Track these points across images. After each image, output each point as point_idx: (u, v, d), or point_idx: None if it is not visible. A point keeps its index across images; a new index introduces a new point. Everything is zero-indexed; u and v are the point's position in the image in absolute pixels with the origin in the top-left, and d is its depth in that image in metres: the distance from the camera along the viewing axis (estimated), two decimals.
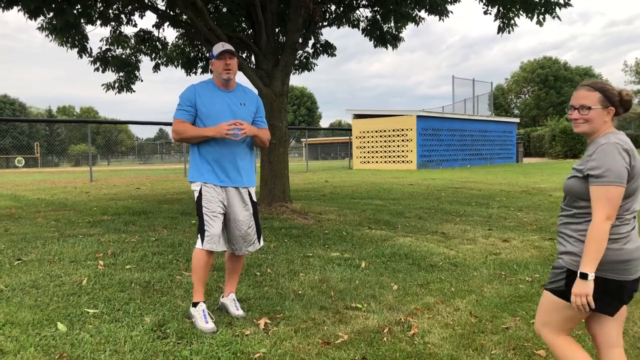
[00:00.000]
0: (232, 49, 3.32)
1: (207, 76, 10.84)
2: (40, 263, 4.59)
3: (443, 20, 8.95)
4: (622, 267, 1.89)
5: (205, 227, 3.18)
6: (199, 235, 3.24)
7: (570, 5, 7.51)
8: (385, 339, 2.98)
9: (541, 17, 7.67)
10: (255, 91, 4.09)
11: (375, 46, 9.96)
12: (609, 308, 1.96)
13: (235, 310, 3.36)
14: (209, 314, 3.15)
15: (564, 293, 1.96)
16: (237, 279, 3.56)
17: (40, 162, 42.54)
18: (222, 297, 3.51)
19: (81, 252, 5.03)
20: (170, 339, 2.92)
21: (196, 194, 3.28)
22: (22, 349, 2.75)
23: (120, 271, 4.34)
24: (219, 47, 3.31)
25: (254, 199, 3.46)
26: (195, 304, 3.19)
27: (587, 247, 1.86)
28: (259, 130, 3.42)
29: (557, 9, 7.59)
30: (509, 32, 8.43)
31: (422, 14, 9.28)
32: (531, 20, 7.78)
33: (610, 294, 1.91)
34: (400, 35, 10.03)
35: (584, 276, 1.85)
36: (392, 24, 9.73)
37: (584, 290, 1.85)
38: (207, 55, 3.53)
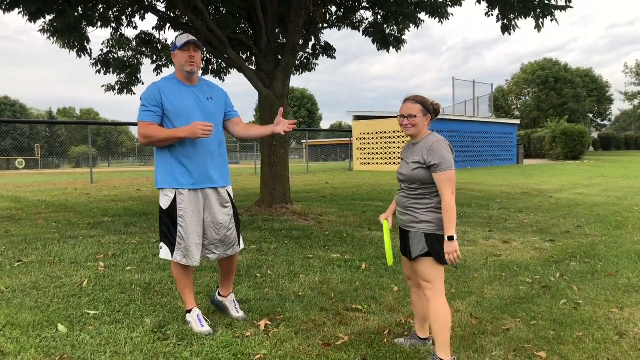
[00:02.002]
0: (197, 40, 3.08)
1: (208, 77, 10.87)
2: (40, 264, 4.59)
3: (442, 22, 8.98)
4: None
5: (178, 240, 3.02)
6: (164, 246, 3.06)
7: (571, 7, 7.52)
8: (385, 340, 2.97)
9: (540, 21, 7.70)
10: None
11: (378, 49, 9.97)
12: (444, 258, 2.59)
13: (236, 312, 3.33)
14: (203, 317, 3.13)
15: (429, 252, 2.55)
16: (233, 278, 3.43)
17: (40, 163, 42.58)
18: (220, 295, 3.42)
19: (82, 253, 5.03)
20: (170, 341, 2.92)
21: (168, 201, 3.03)
22: (22, 350, 2.75)
23: (121, 273, 4.34)
24: (183, 38, 3.06)
25: (233, 199, 3.30)
26: (189, 311, 3.14)
27: (448, 217, 2.49)
28: (272, 128, 3.30)
29: (558, 11, 7.61)
30: (510, 34, 8.48)
31: (423, 16, 9.30)
32: (533, 20, 7.80)
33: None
34: (403, 37, 10.05)
35: (452, 238, 2.48)
36: (394, 27, 9.75)
37: (454, 247, 2.48)
38: (171, 47, 3.26)
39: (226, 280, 3.40)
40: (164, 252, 3.08)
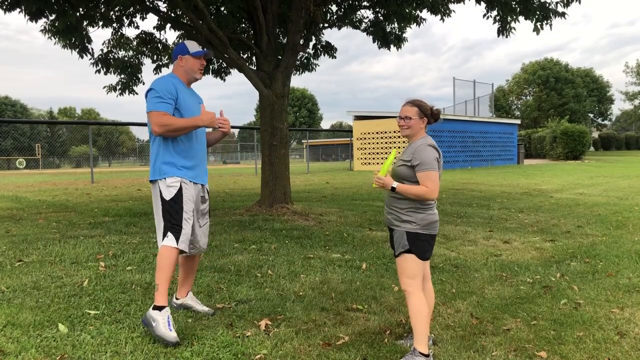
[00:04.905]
0: (210, 53, 3.30)
1: (209, 77, 10.85)
2: (41, 264, 4.59)
3: (444, 20, 8.99)
4: (435, 226, 2.78)
5: (184, 227, 3.08)
6: (170, 234, 3.06)
7: (566, 15, 7.72)
8: (386, 340, 2.98)
9: (539, 24, 7.81)
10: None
11: (379, 47, 9.97)
12: (430, 254, 2.82)
13: (201, 306, 3.41)
14: (172, 321, 2.95)
15: (410, 250, 2.72)
16: (193, 278, 3.52)
17: (41, 163, 42.60)
18: (178, 298, 3.47)
19: (82, 253, 5.03)
20: None
21: (173, 191, 3.08)
22: (23, 350, 2.75)
23: (122, 272, 4.34)
24: (195, 46, 3.22)
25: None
26: (159, 308, 2.93)
27: (412, 188, 2.68)
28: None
29: (553, 17, 7.73)
30: (506, 37, 8.52)
31: (424, 14, 9.33)
32: (531, 22, 7.86)
33: (432, 244, 2.80)
34: (404, 35, 10.04)
35: (393, 189, 2.71)
36: (395, 25, 9.75)
37: (388, 181, 2.72)
38: (177, 49, 3.27)
39: (187, 281, 3.47)
40: (169, 239, 3.05)
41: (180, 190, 3.09)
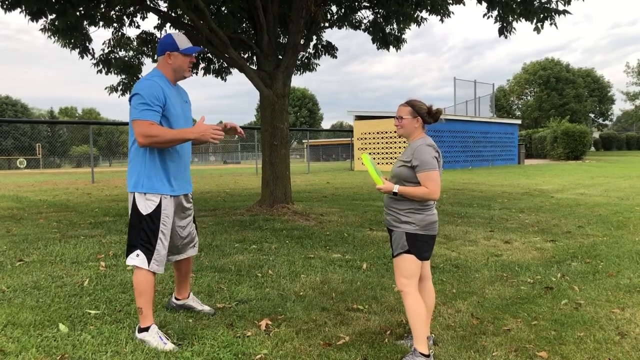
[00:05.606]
0: (201, 49, 3.01)
1: (210, 77, 10.82)
2: (42, 264, 4.59)
3: (443, 20, 9.00)
4: (434, 226, 2.78)
5: (157, 247, 2.88)
6: (141, 254, 2.86)
7: (569, 13, 7.66)
8: (386, 340, 2.97)
9: (539, 24, 7.78)
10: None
11: (378, 48, 9.98)
12: (429, 254, 2.83)
13: (202, 307, 3.38)
14: (164, 334, 2.91)
15: (409, 250, 2.72)
16: (189, 280, 3.41)
17: (42, 163, 42.63)
18: (178, 300, 3.40)
19: (83, 253, 5.04)
20: (171, 340, 2.91)
21: (152, 206, 2.86)
22: (23, 349, 2.75)
23: (122, 272, 4.34)
24: (185, 42, 2.94)
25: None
26: (146, 329, 2.87)
27: (414, 190, 2.68)
28: None
29: (556, 16, 7.70)
30: (506, 37, 8.52)
31: (424, 14, 9.32)
32: (531, 24, 7.86)
33: (432, 244, 2.81)
34: (403, 36, 10.05)
35: (395, 194, 2.71)
36: (395, 26, 9.75)
37: (389, 187, 2.70)
38: (164, 44, 2.95)
39: (184, 283, 3.38)
40: (140, 260, 2.87)
41: (159, 205, 2.88)
